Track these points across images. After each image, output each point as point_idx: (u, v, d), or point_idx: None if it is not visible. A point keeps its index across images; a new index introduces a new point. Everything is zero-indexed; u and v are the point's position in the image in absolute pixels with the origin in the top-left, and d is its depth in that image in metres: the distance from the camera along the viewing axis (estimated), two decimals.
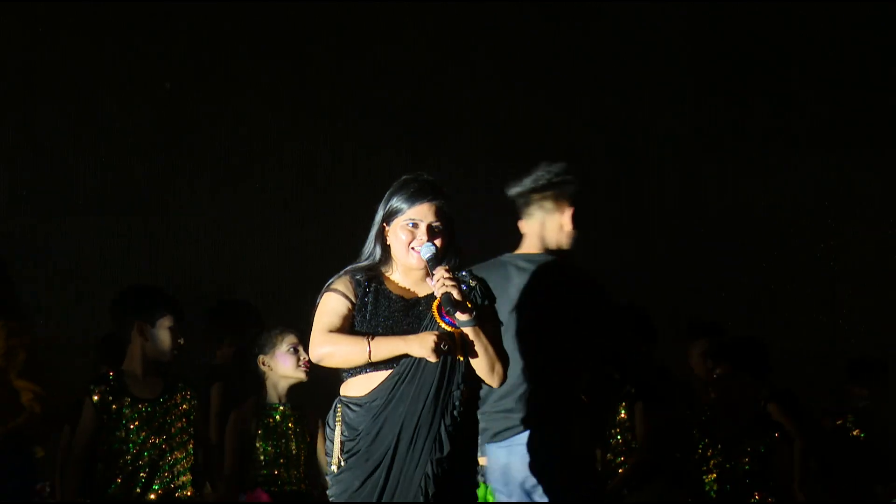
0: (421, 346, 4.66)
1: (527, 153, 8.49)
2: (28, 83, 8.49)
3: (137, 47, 8.52)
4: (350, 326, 4.80)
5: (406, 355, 4.70)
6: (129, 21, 8.49)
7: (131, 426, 5.88)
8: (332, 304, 4.83)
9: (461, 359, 4.73)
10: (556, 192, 5.41)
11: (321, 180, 8.61)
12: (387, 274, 4.88)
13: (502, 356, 4.79)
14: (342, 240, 8.52)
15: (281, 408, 6.09)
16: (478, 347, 4.71)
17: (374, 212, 4.80)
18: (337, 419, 4.80)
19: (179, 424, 5.95)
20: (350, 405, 4.77)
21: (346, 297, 4.81)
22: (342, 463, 4.76)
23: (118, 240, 8.49)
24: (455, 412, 4.72)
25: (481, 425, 4.98)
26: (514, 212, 5.43)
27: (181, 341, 5.97)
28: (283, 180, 8.59)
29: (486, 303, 4.80)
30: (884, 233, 8.66)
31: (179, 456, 5.93)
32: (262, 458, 6.03)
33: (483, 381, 4.79)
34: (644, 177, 8.64)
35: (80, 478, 5.93)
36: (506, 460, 5.35)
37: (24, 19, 8.44)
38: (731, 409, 6.49)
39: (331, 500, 4.78)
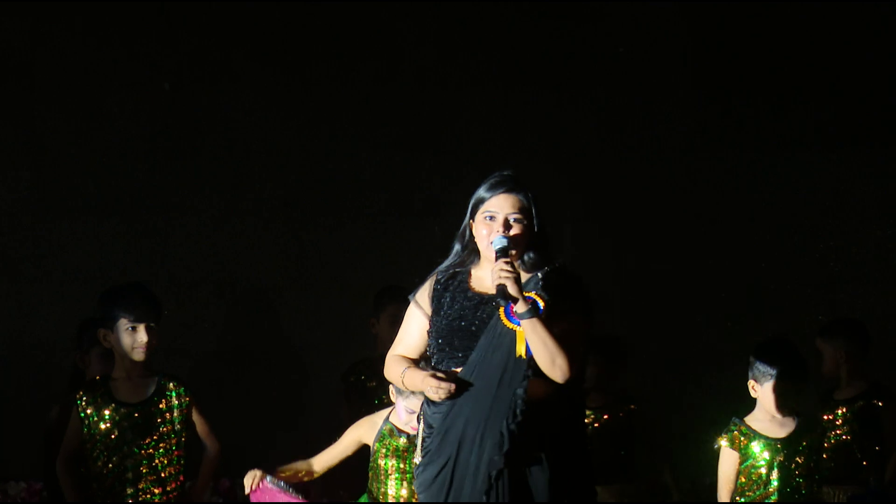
0: (423, 386, 4.75)
1: (527, 152, 8.50)
2: (28, 83, 8.48)
3: (137, 47, 8.51)
4: (423, 339, 4.89)
5: (477, 351, 4.70)
6: (130, 21, 8.48)
7: (114, 431, 5.83)
8: (407, 320, 4.94)
9: (523, 356, 4.65)
10: None
11: (321, 180, 8.60)
12: (473, 271, 4.84)
13: (568, 351, 4.64)
14: (343, 240, 8.57)
15: None
16: (535, 340, 4.60)
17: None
18: (421, 415, 4.86)
19: (168, 427, 5.90)
20: (428, 402, 4.79)
21: (420, 308, 4.87)
22: (420, 458, 4.81)
23: (118, 240, 8.48)
24: (518, 410, 4.63)
25: None
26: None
27: (145, 338, 5.82)
28: (283, 180, 8.58)
29: (549, 297, 4.66)
30: (884, 233, 8.65)
31: (166, 459, 5.88)
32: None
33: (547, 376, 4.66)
34: (643, 176, 8.63)
35: (73, 475, 5.91)
36: None
37: (24, 19, 8.44)
38: None
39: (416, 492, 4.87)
